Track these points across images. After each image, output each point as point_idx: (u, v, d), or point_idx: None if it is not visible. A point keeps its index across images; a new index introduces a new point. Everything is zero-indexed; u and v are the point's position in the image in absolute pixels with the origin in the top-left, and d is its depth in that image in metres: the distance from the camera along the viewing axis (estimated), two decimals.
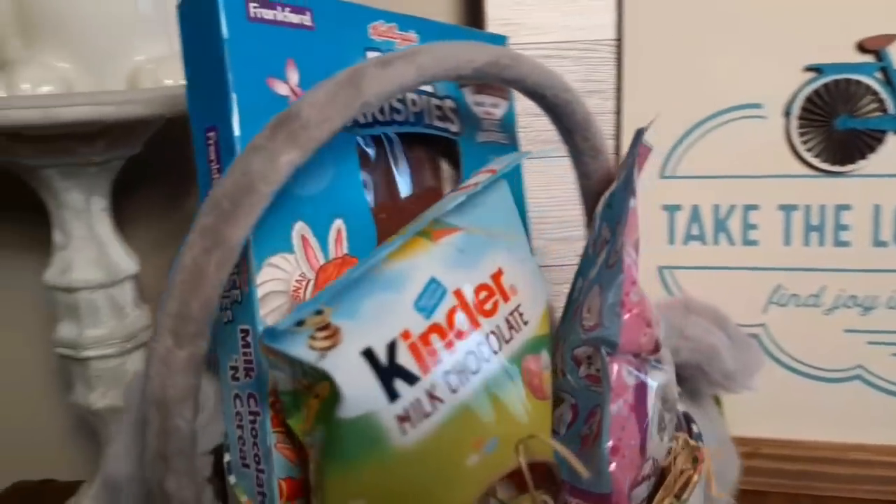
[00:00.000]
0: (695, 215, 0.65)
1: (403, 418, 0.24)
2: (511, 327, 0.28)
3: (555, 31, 0.63)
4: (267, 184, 0.26)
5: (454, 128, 0.39)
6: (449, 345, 0.25)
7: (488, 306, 0.27)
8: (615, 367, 0.27)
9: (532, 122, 0.62)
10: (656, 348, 0.28)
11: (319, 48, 0.30)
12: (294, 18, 0.30)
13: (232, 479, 0.29)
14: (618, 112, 0.64)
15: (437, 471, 0.25)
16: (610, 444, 0.26)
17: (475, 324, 0.27)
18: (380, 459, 0.24)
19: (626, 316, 0.26)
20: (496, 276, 0.28)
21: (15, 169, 0.44)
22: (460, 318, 0.26)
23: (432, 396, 0.25)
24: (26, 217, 0.59)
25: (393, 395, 0.24)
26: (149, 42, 0.43)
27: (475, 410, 0.26)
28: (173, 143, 0.55)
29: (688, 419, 0.32)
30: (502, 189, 0.31)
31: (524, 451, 0.27)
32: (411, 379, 0.24)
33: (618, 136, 0.65)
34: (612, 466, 0.26)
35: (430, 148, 0.39)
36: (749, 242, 0.65)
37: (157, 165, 0.60)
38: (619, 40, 0.62)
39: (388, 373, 0.24)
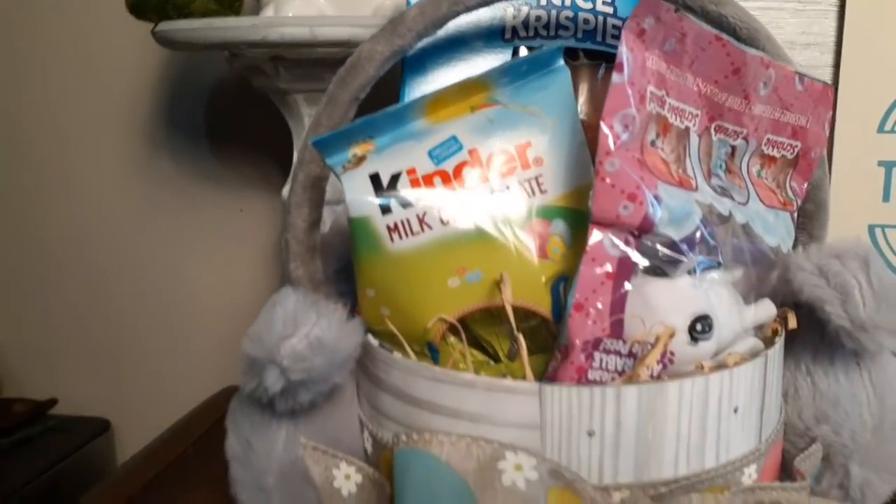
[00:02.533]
0: None
1: (392, 229, 0.31)
2: (525, 191, 0.32)
3: None
4: (369, 62, 0.35)
5: None
6: (449, 188, 0.31)
7: (503, 168, 0.32)
8: (596, 234, 0.29)
9: None
10: (645, 226, 0.29)
11: None
12: None
13: None
14: (836, 66, 0.60)
15: (421, 279, 0.32)
16: (576, 299, 0.29)
17: (484, 179, 0.32)
18: (377, 258, 0.32)
19: (598, 183, 0.28)
20: (522, 147, 0.32)
21: (269, 93, 0.55)
22: (468, 172, 0.32)
23: (422, 221, 0.31)
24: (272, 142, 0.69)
25: (385, 210, 0.31)
26: None
27: (463, 243, 0.31)
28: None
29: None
30: (563, 79, 0.34)
31: (510, 291, 0.31)
32: (405, 203, 0.31)
33: (835, 91, 0.57)
34: (572, 320, 0.29)
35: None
36: None
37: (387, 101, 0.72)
38: None
39: (386, 193, 0.31)
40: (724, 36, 0.31)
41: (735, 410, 0.30)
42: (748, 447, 0.31)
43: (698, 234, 0.30)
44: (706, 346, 0.31)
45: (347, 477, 0.32)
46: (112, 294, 0.82)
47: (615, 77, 0.28)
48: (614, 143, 0.28)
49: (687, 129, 0.32)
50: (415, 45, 0.37)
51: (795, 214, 0.37)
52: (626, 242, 0.29)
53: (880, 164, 0.58)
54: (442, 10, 0.35)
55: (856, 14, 0.58)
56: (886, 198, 0.58)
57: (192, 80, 0.76)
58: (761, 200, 0.35)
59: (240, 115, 0.74)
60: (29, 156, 0.81)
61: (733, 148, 0.35)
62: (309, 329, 0.30)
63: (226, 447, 0.36)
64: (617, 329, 0.29)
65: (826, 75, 0.60)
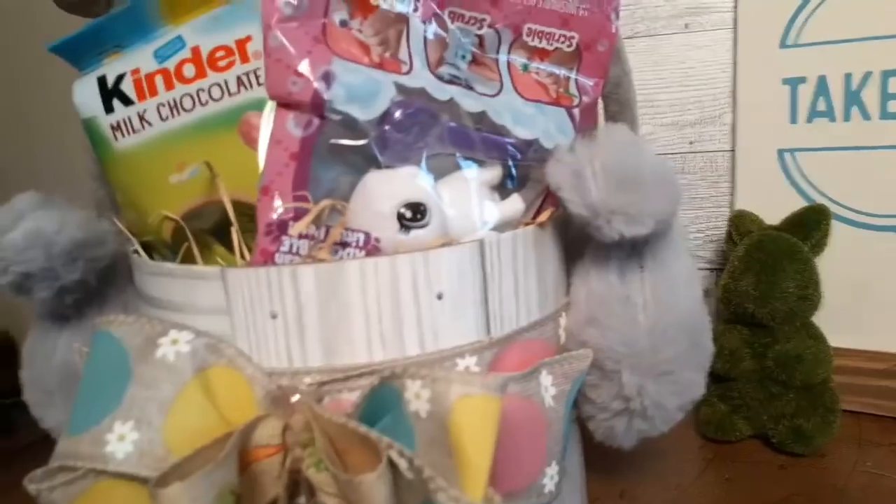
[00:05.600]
0: (821, 88, 0.50)
1: (115, 128, 0.32)
2: (241, 84, 0.32)
3: None
4: None
5: None
6: (169, 86, 0.32)
7: (222, 63, 0.32)
8: (280, 114, 0.29)
9: None
10: (316, 101, 0.28)
11: None
12: None
13: None
14: None
15: (146, 176, 0.32)
16: (263, 182, 0.29)
17: (202, 74, 0.32)
18: (110, 156, 0.33)
19: (265, 60, 0.28)
20: (242, 42, 0.32)
21: None
22: (188, 68, 0.32)
23: (142, 119, 0.32)
24: None
25: (109, 109, 0.32)
26: None
27: (181, 139, 0.32)
28: None
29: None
30: None
31: (223, 185, 0.32)
32: (126, 101, 0.32)
33: (735, 8, 0.53)
34: (259, 204, 0.29)
35: None
36: (889, 116, 0.47)
37: None
38: None
39: (109, 94, 0.32)
40: None
41: (439, 297, 0.29)
42: (465, 339, 0.30)
43: (397, 116, 0.29)
44: (420, 234, 0.30)
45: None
46: None
47: None
48: (276, 18, 0.28)
49: (402, 14, 0.31)
50: None
51: (577, 111, 0.35)
52: (309, 123, 0.29)
53: (785, 82, 0.53)
54: None
55: None
56: (794, 119, 0.53)
57: None
58: (519, 94, 0.34)
59: None
60: None
61: (480, 38, 0.33)
62: (30, 223, 0.31)
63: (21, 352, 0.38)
64: (302, 209, 0.29)
65: None
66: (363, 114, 0.29)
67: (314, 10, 0.28)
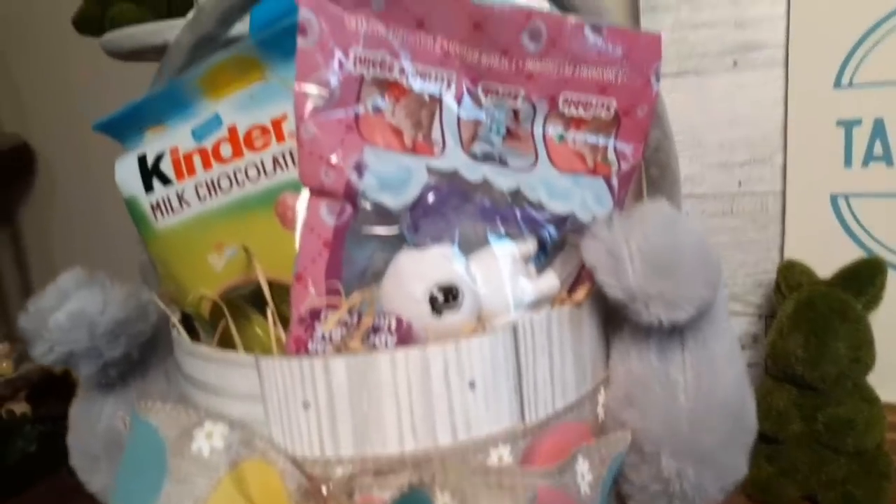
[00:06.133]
0: (878, 130, 0.48)
1: (156, 207, 0.32)
2: (277, 164, 0.32)
3: None
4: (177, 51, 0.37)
5: None
6: (207, 165, 0.32)
7: (258, 143, 0.32)
8: (312, 203, 0.29)
9: (686, 35, 0.54)
10: (349, 193, 0.28)
11: None
12: None
13: None
14: (788, 17, 0.53)
15: (185, 256, 0.33)
16: (297, 269, 0.29)
17: (238, 154, 0.32)
18: (150, 234, 0.33)
19: (299, 150, 0.28)
20: (278, 121, 0.32)
21: None
22: (225, 148, 0.32)
23: (181, 199, 0.32)
24: None
25: (148, 189, 0.32)
26: None
27: (218, 219, 0.32)
28: None
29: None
30: None
31: (261, 266, 0.32)
32: (165, 181, 0.32)
33: (787, 45, 0.50)
34: (293, 291, 0.29)
35: None
36: None
37: None
38: None
39: (149, 173, 0.32)
40: None
41: (472, 385, 0.29)
42: (498, 426, 0.29)
43: (429, 200, 0.29)
44: (453, 318, 0.30)
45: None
46: None
47: (300, 41, 0.27)
48: (308, 109, 0.28)
49: (434, 93, 0.30)
50: (222, 31, 0.38)
51: (615, 179, 0.34)
52: (342, 211, 0.28)
53: (839, 123, 0.51)
54: None
55: None
56: (848, 162, 0.50)
57: None
58: (554, 165, 0.33)
59: None
60: None
61: (515, 111, 0.33)
62: (74, 304, 0.32)
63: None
64: (335, 298, 0.29)
65: (779, 28, 0.54)
66: (395, 201, 0.29)
67: (346, 99, 0.28)
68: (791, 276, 0.48)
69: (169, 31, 0.51)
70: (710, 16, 0.54)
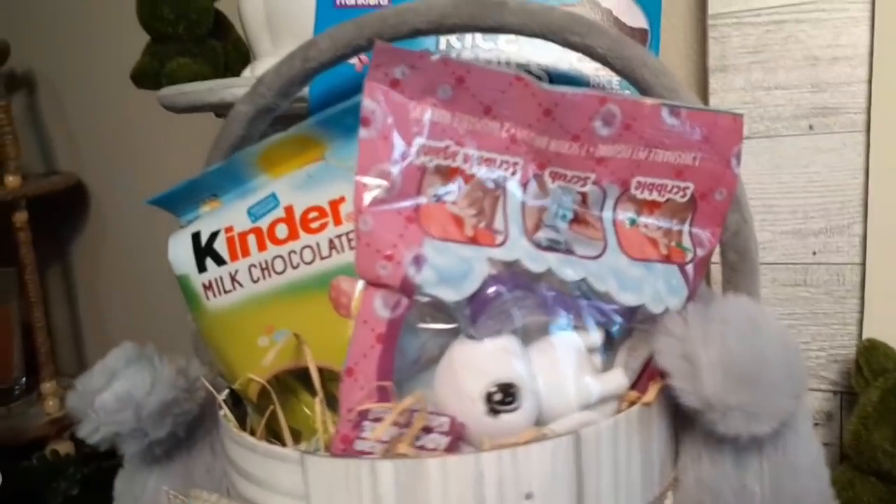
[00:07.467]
0: None
1: (207, 287, 0.32)
2: (333, 247, 0.31)
3: None
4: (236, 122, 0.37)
5: None
6: (261, 246, 0.31)
7: (315, 225, 0.31)
8: (367, 295, 0.27)
9: (760, 98, 0.52)
10: (406, 287, 0.26)
11: None
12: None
13: None
14: (870, 81, 0.50)
15: (235, 337, 0.32)
16: (347, 364, 0.27)
17: (294, 235, 0.31)
18: (201, 313, 0.33)
19: (357, 243, 0.26)
20: (335, 203, 0.31)
21: None
22: (281, 229, 0.32)
23: (234, 279, 0.31)
24: None
25: (201, 269, 0.32)
26: None
27: (271, 302, 0.31)
28: None
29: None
30: None
31: (311, 352, 0.31)
32: (219, 261, 0.32)
33: (869, 109, 0.47)
34: (343, 386, 0.27)
35: None
36: None
37: None
38: None
39: (203, 252, 0.32)
40: (527, 76, 0.28)
41: (528, 497, 0.26)
42: None
43: (489, 293, 0.27)
44: (510, 419, 0.28)
45: None
46: None
47: (362, 132, 0.26)
48: (368, 201, 0.26)
49: (499, 179, 0.29)
50: (282, 103, 0.37)
51: (690, 266, 0.32)
52: (397, 304, 0.27)
53: None
54: (295, 68, 0.36)
55: (888, 20, 0.49)
56: None
57: None
58: (625, 253, 0.31)
59: None
60: None
61: (584, 195, 0.31)
62: (121, 385, 0.31)
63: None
64: (386, 396, 0.27)
65: (861, 92, 0.51)
66: (454, 295, 0.27)
67: (407, 190, 0.27)
68: (874, 358, 0.45)
69: (224, 90, 0.51)
70: (785, 78, 0.51)
